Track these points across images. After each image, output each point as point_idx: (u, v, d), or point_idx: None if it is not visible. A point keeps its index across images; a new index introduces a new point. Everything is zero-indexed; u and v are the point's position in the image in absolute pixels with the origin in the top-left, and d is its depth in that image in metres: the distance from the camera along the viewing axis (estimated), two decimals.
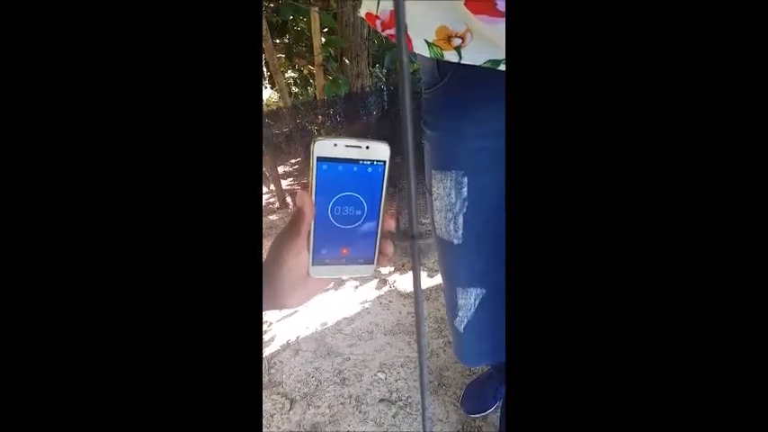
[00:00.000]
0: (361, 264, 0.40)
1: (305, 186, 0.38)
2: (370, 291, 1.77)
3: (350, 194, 0.37)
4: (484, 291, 0.68)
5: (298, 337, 1.52)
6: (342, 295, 1.76)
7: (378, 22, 0.55)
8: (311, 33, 2.26)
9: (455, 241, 0.65)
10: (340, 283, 1.81)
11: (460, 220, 0.64)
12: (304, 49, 3.17)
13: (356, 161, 0.36)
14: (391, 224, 0.39)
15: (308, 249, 0.37)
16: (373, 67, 2.86)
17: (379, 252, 0.40)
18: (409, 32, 0.52)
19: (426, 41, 0.52)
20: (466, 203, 0.62)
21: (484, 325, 0.71)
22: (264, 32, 2.17)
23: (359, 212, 0.38)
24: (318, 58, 2.28)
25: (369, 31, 2.58)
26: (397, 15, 0.17)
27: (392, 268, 1.89)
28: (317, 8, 2.19)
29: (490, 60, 0.50)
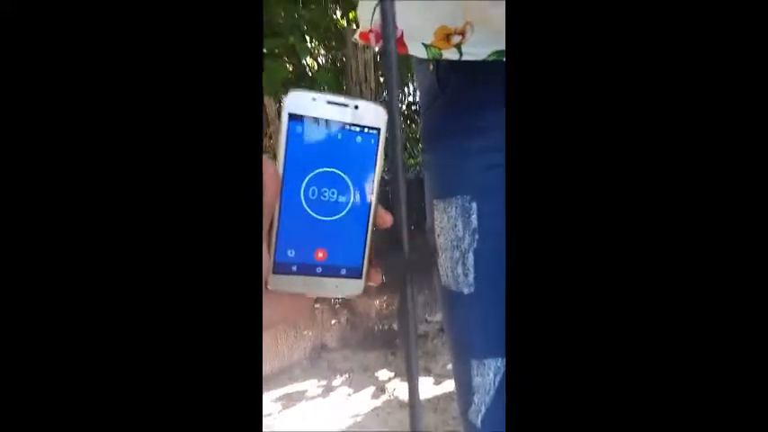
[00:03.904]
0: (343, 276, 0.31)
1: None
2: (364, 400, 1.57)
3: (331, 171, 0.30)
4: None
5: None
6: (330, 404, 1.56)
7: (371, 36, 0.53)
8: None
9: (465, 290, 0.54)
10: (327, 389, 1.61)
11: (470, 259, 0.54)
12: None
13: (341, 125, 0.29)
14: (387, 220, 0.31)
15: (269, 248, 0.28)
16: None
17: (369, 262, 0.31)
18: (405, 40, 0.50)
19: (424, 44, 0.50)
20: (476, 236, 0.53)
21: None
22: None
23: (343, 199, 0.30)
24: None
25: (376, 89, 2.60)
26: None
27: (392, 374, 1.67)
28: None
29: (495, 52, 0.47)
